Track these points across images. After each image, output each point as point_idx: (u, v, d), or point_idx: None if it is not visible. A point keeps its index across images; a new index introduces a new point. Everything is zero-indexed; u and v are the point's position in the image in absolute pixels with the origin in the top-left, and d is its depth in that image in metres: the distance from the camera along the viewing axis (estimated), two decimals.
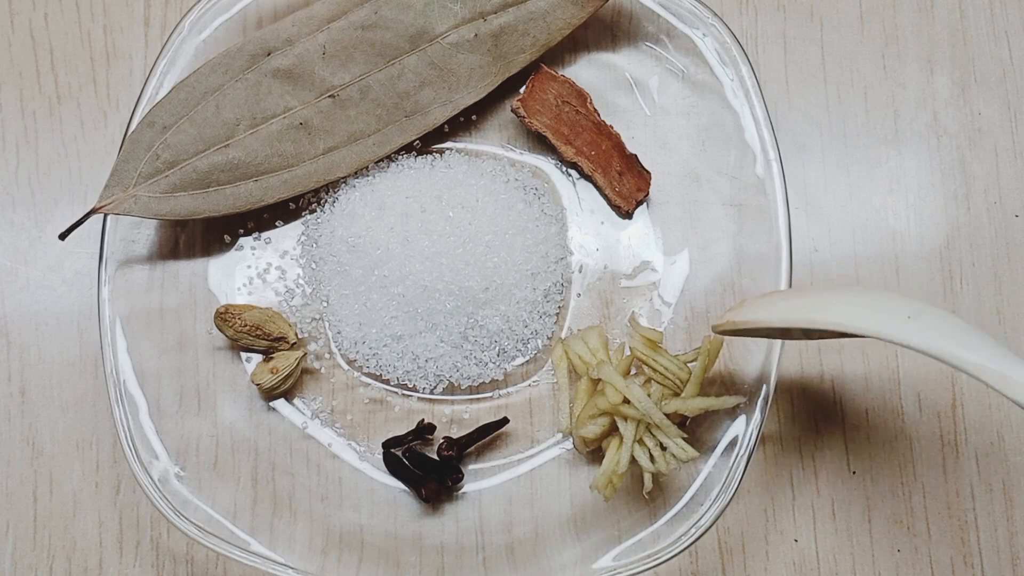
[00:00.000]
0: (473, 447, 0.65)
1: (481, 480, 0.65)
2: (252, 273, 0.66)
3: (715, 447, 0.63)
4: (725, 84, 0.66)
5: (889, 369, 0.66)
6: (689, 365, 0.62)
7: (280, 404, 0.65)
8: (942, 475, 0.66)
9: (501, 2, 0.66)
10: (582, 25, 0.67)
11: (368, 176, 0.66)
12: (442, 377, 0.65)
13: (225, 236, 0.66)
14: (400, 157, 0.67)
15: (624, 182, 0.67)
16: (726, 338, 0.64)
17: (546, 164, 0.68)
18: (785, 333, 0.59)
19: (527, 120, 0.66)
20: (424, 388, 0.65)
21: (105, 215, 0.64)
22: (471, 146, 0.68)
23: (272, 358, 0.65)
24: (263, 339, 0.64)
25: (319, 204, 0.67)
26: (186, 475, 0.63)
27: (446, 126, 0.67)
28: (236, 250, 0.66)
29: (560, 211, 0.67)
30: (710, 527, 0.61)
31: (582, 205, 0.67)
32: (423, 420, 0.65)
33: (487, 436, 0.65)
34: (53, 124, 0.68)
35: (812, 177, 0.68)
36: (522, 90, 0.67)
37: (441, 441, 0.64)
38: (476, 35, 0.66)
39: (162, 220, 0.65)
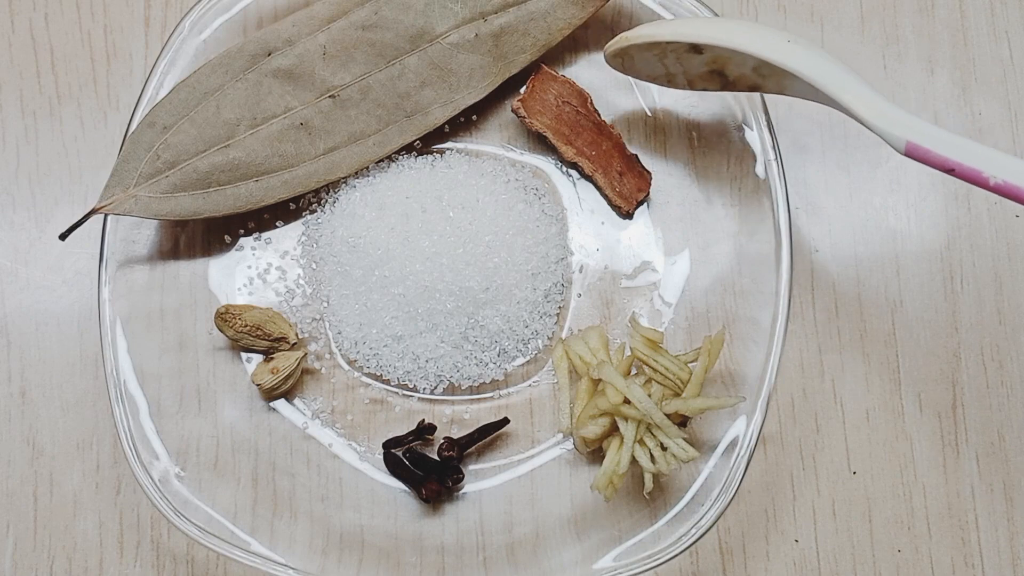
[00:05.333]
0: (474, 447, 0.65)
1: (481, 480, 0.65)
2: (252, 273, 0.66)
3: (715, 447, 0.63)
4: None
5: (889, 369, 0.66)
6: (690, 365, 0.62)
7: (280, 404, 0.65)
8: (942, 475, 0.66)
9: (501, 2, 0.66)
10: (582, 25, 0.67)
11: (368, 176, 0.66)
12: (442, 377, 0.65)
13: (225, 236, 0.66)
14: (400, 157, 0.67)
15: (624, 182, 0.67)
16: (726, 338, 0.64)
17: (546, 164, 0.68)
18: (671, 79, 0.64)
19: (527, 120, 0.66)
20: (424, 388, 0.65)
21: (105, 215, 0.64)
22: (471, 146, 0.68)
23: (272, 358, 0.65)
24: (263, 339, 0.64)
25: (319, 204, 0.67)
26: (186, 475, 0.63)
27: (446, 126, 0.67)
28: (236, 250, 0.66)
29: (560, 211, 0.67)
30: (711, 527, 0.61)
31: (582, 205, 0.67)
32: (423, 420, 0.65)
33: (487, 436, 0.65)
34: (53, 124, 0.68)
35: (812, 177, 0.68)
36: (522, 90, 0.67)
37: (441, 441, 0.64)
38: (476, 35, 0.66)
39: (162, 220, 0.65)
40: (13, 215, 0.68)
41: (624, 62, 0.64)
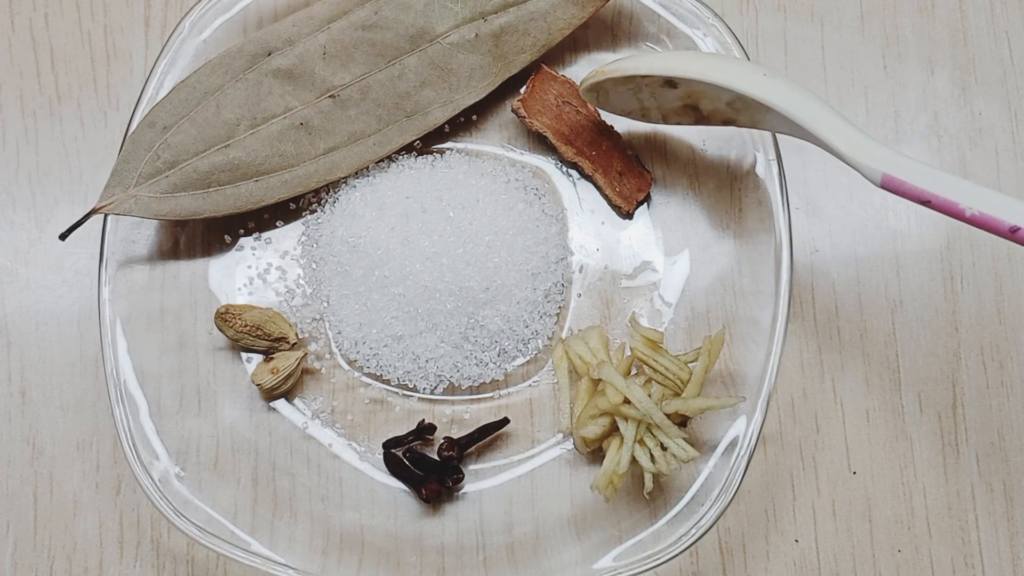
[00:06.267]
0: (474, 447, 0.65)
1: (481, 480, 0.65)
2: (252, 273, 0.66)
3: (715, 447, 0.63)
4: None
5: (889, 369, 0.66)
6: (690, 365, 0.62)
7: (280, 404, 0.65)
8: (943, 475, 0.66)
9: (502, 2, 0.66)
10: (582, 25, 0.67)
11: (368, 176, 0.66)
12: (442, 377, 0.65)
13: (225, 236, 0.66)
14: (400, 157, 0.67)
15: (624, 182, 0.67)
16: (726, 338, 0.64)
17: (546, 164, 0.68)
18: (645, 114, 0.65)
19: (527, 120, 0.66)
20: (424, 388, 0.65)
21: (105, 215, 0.64)
22: (471, 146, 0.68)
23: (272, 358, 0.65)
24: (263, 339, 0.64)
25: (319, 204, 0.67)
26: (186, 475, 0.63)
27: (446, 126, 0.67)
28: (236, 250, 0.66)
29: (561, 211, 0.67)
30: (711, 527, 0.61)
31: (582, 205, 0.67)
32: (423, 420, 0.65)
33: (487, 436, 0.65)
34: (53, 124, 0.68)
35: (812, 177, 0.68)
36: (522, 90, 0.67)
37: (442, 441, 0.64)
38: (477, 35, 0.66)
39: (162, 220, 0.65)
40: (13, 215, 0.68)
41: (599, 96, 0.64)
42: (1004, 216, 0.53)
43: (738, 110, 0.61)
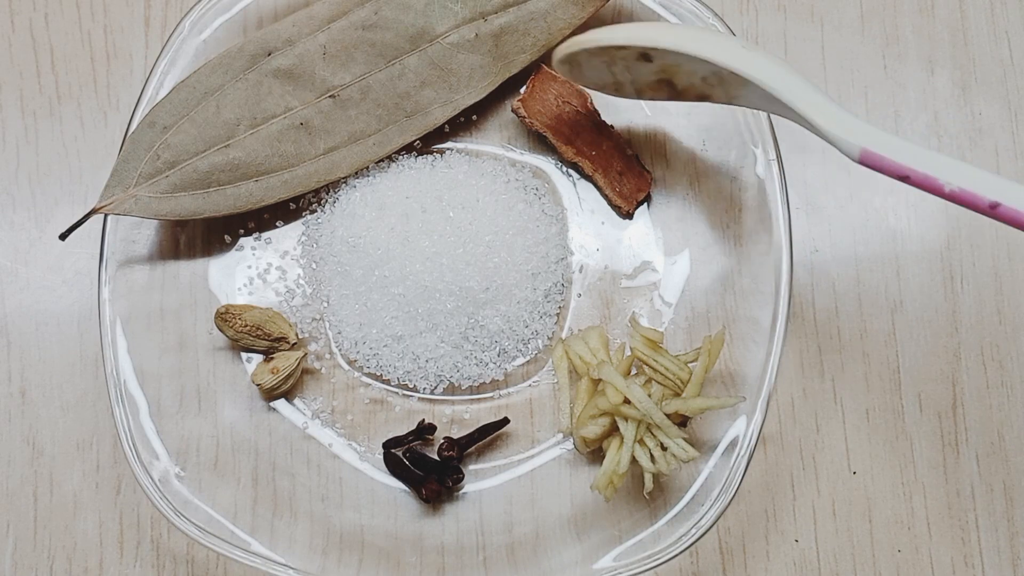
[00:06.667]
0: (473, 447, 0.65)
1: (481, 480, 0.65)
2: (252, 273, 0.66)
3: (715, 447, 0.63)
4: None
5: (889, 369, 0.66)
6: (690, 365, 0.62)
7: (280, 404, 0.65)
8: (943, 475, 0.66)
9: (502, 2, 0.66)
10: (582, 25, 0.67)
11: (368, 176, 0.66)
12: (442, 377, 0.65)
13: (225, 236, 0.66)
14: (400, 157, 0.67)
15: (624, 182, 0.67)
16: (726, 338, 0.64)
17: (546, 164, 0.68)
18: (619, 88, 0.63)
19: (527, 120, 0.66)
20: (424, 388, 0.65)
21: (105, 215, 0.64)
22: (471, 146, 0.68)
23: (272, 358, 0.65)
24: (263, 339, 0.64)
25: (319, 204, 0.67)
26: (186, 475, 0.63)
27: (446, 126, 0.67)
28: (236, 250, 0.66)
29: (561, 211, 0.67)
30: (711, 527, 0.61)
31: (582, 205, 0.67)
32: (423, 420, 0.65)
33: (487, 436, 0.65)
34: (53, 124, 0.68)
35: (812, 177, 0.68)
36: (522, 90, 0.67)
37: (442, 441, 0.64)
38: (477, 35, 0.66)
39: (162, 220, 0.65)
40: (13, 215, 0.68)
41: (572, 68, 0.63)
42: (984, 192, 0.52)
43: (713, 86, 0.60)
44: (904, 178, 0.54)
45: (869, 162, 0.54)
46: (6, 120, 0.69)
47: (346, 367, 0.66)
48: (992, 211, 0.52)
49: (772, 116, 0.65)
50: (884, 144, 0.54)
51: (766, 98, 0.57)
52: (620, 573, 0.61)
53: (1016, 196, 0.52)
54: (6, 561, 0.64)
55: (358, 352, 0.65)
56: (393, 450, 0.64)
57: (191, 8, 0.66)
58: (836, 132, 0.55)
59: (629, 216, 0.67)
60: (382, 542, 0.64)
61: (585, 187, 0.68)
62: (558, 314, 0.66)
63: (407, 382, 0.65)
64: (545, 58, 0.67)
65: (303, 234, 0.67)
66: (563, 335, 0.66)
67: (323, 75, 0.65)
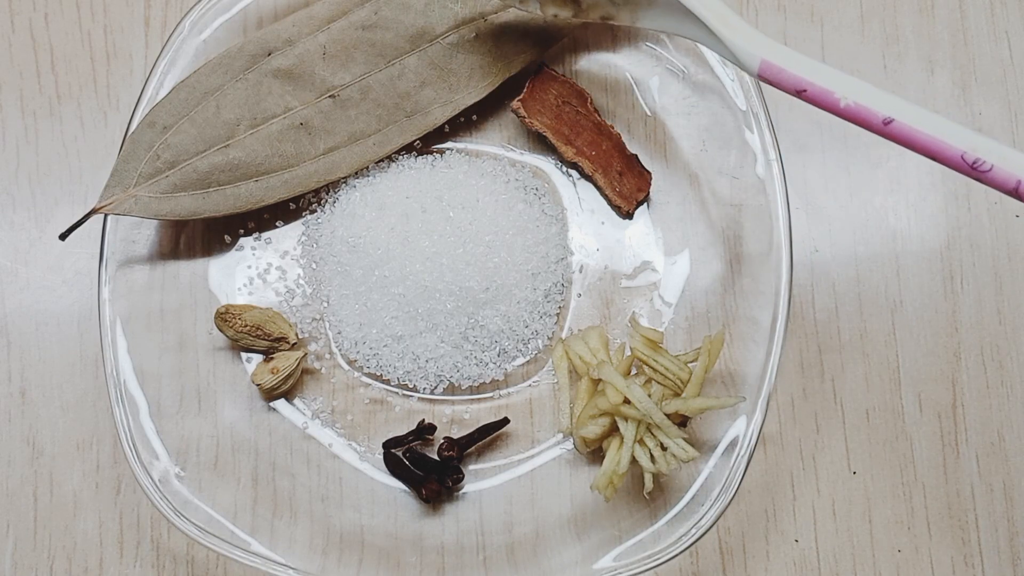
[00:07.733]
0: (473, 447, 0.65)
1: (481, 480, 0.65)
2: (252, 273, 0.66)
3: (715, 447, 0.63)
4: (725, 84, 0.66)
5: (889, 369, 0.66)
6: (690, 365, 0.62)
7: (280, 404, 0.65)
8: (942, 475, 0.66)
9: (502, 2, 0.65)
10: (582, 25, 0.67)
11: (368, 176, 0.66)
12: (442, 377, 0.65)
13: (225, 236, 0.66)
14: (400, 157, 0.67)
15: (624, 182, 0.67)
16: (726, 338, 0.64)
17: (546, 164, 0.68)
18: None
19: (527, 120, 0.66)
20: (424, 388, 0.65)
21: (105, 215, 0.64)
22: (471, 146, 0.68)
23: (272, 358, 0.65)
24: (263, 339, 0.64)
25: (319, 204, 0.67)
26: (186, 475, 0.63)
27: (446, 126, 0.67)
28: (236, 250, 0.66)
29: (560, 211, 0.67)
30: (711, 527, 0.61)
31: (582, 205, 0.67)
32: (423, 420, 0.65)
33: (487, 436, 0.65)
34: (53, 124, 0.68)
35: (812, 177, 0.68)
36: (523, 90, 0.67)
37: (441, 441, 0.64)
38: (476, 35, 0.66)
39: (162, 220, 0.65)
40: (13, 215, 0.68)
41: None
42: (879, 107, 0.52)
43: (618, 5, 0.59)
44: (801, 92, 0.53)
45: (768, 75, 0.54)
46: (6, 120, 0.69)
47: (346, 367, 0.66)
48: (885, 127, 0.52)
49: (772, 116, 0.65)
50: (784, 57, 0.54)
51: (668, 17, 0.57)
52: (620, 573, 0.61)
53: (910, 113, 0.52)
54: (6, 561, 0.64)
55: (358, 352, 0.65)
56: (393, 450, 0.64)
57: (191, 8, 0.66)
58: (737, 42, 0.55)
59: (629, 216, 0.67)
60: (382, 542, 0.64)
61: (585, 187, 0.68)
62: (558, 314, 0.66)
63: (407, 382, 0.65)
64: (545, 58, 0.67)
65: (303, 234, 0.67)
66: (563, 335, 0.66)
67: (323, 75, 0.65)
